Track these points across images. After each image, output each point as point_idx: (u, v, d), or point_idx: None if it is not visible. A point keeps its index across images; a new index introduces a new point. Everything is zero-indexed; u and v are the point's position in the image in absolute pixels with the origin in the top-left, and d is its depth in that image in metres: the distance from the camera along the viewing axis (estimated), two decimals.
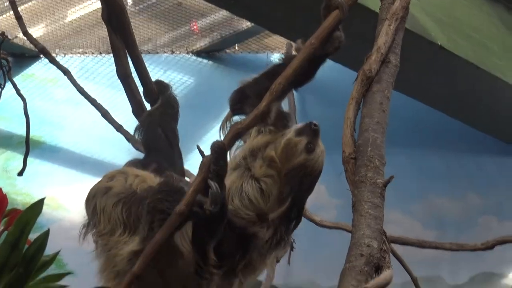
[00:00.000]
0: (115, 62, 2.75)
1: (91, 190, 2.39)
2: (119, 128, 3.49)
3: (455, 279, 5.17)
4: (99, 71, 5.59)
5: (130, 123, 3.08)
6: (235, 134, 2.07)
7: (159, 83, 2.85)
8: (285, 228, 2.23)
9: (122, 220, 2.25)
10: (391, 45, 2.07)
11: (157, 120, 2.72)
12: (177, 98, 2.80)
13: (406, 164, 5.18)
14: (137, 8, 5.55)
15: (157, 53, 6.10)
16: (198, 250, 2.15)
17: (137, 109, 2.78)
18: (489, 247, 3.06)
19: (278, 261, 3.49)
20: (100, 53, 5.79)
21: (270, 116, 2.13)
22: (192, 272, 2.20)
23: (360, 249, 1.86)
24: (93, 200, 2.34)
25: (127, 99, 2.81)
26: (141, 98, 2.73)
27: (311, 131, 2.22)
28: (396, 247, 2.63)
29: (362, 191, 1.90)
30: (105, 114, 3.62)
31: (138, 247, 2.15)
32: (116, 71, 2.76)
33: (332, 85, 4.72)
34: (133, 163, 2.62)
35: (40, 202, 1.99)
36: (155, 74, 4.53)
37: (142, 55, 2.87)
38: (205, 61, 5.97)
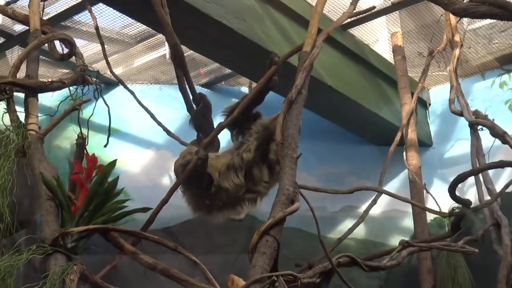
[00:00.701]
0: (178, 83, 4.24)
1: (175, 165, 3.87)
2: (168, 131, 5.45)
3: (333, 208, 7.34)
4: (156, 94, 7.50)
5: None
6: (219, 128, 3.39)
7: (200, 94, 4.29)
8: None
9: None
10: (303, 84, 2.93)
11: (201, 115, 4.13)
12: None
13: (307, 148, 6.73)
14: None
15: None
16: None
17: (190, 108, 4.22)
18: (351, 191, 4.43)
19: None
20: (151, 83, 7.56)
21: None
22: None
23: (283, 191, 2.67)
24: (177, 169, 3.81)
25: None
26: (192, 102, 4.24)
27: None
28: (302, 191, 3.86)
29: (285, 161, 2.72)
30: (155, 119, 5.49)
31: None
32: (179, 87, 4.23)
33: (274, 105, 6.11)
34: (192, 141, 4.07)
35: (114, 162, 3.26)
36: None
37: None
38: (207, 90, 7.64)
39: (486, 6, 2.95)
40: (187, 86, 4.22)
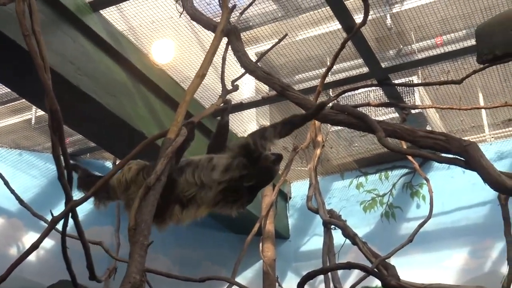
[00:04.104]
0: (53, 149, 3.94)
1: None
2: (20, 200, 4.97)
3: None
4: None
5: None
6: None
7: (74, 164, 3.83)
8: None
9: None
10: (163, 170, 2.83)
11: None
12: None
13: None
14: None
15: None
16: None
17: (61, 176, 4.02)
18: (203, 280, 4.31)
19: None
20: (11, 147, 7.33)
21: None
22: None
23: (129, 279, 2.45)
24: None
25: None
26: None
27: None
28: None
29: (135, 247, 2.55)
30: (8, 185, 5.12)
31: None
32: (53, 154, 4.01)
33: None
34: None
35: None
36: None
37: None
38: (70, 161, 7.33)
39: (344, 115, 3.12)
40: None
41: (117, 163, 7.29)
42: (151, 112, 5.76)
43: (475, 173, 2.60)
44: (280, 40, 4.63)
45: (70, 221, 2.96)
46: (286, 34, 4.75)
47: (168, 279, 4.56)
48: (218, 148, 3.55)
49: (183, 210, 3.27)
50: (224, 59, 4.00)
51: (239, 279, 5.97)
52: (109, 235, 7.10)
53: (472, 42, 5.83)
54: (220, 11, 4.45)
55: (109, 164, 7.72)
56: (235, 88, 4.04)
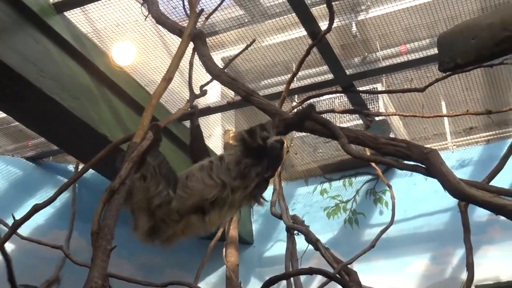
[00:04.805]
0: None
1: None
2: None
3: None
4: None
5: None
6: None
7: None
8: None
9: None
10: (128, 175, 2.92)
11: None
12: None
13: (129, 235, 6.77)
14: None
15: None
16: None
17: None
18: (165, 285, 4.28)
19: None
20: None
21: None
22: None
23: (91, 284, 2.42)
24: None
25: None
26: None
27: None
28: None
29: (98, 252, 2.52)
30: None
31: None
32: None
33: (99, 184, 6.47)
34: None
35: None
36: None
37: None
38: (32, 163, 7.57)
39: (309, 121, 3.13)
40: None
41: (80, 167, 7.23)
42: (115, 116, 5.71)
43: (437, 180, 2.64)
44: (248, 46, 4.63)
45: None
46: (254, 40, 4.76)
47: (131, 284, 4.56)
48: (200, 150, 3.58)
49: (205, 216, 3.16)
50: (191, 63, 3.99)
51: (202, 284, 5.96)
52: (72, 239, 7.02)
53: (435, 50, 5.91)
54: (186, 16, 4.45)
55: (71, 167, 7.62)
56: (203, 93, 4.03)
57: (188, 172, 3.21)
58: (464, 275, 4.67)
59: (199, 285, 5.67)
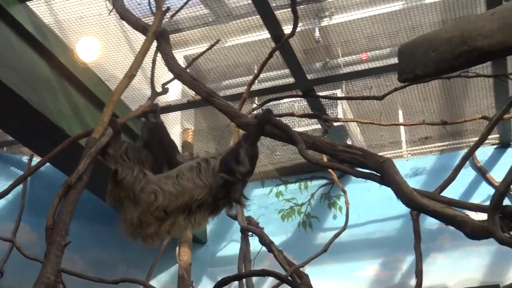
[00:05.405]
0: None
1: None
2: None
3: None
4: None
5: None
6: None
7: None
8: None
9: None
10: (85, 170, 2.91)
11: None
12: None
13: (84, 230, 6.97)
14: None
15: None
16: None
17: None
18: (117, 282, 4.41)
19: None
20: None
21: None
22: None
23: (43, 279, 2.45)
24: None
25: None
26: None
27: None
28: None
29: (52, 247, 2.52)
30: None
31: None
32: None
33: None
34: None
35: None
36: None
37: None
38: None
39: (269, 126, 3.16)
40: None
41: (34, 159, 7.13)
42: (74, 109, 5.66)
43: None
44: (212, 46, 4.64)
45: None
46: (219, 40, 4.77)
47: (82, 280, 4.53)
48: (171, 148, 3.54)
49: (191, 217, 3.16)
50: (154, 61, 3.98)
51: (154, 282, 5.95)
52: (24, 232, 6.92)
53: (396, 60, 6.01)
54: (150, 12, 4.44)
55: (26, 159, 7.49)
56: (165, 91, 4.02)
57: (177, 171, 3.19)
58: (412, 282, 4.76)
59: (150, 283, 5.66)
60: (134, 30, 4.35)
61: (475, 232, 2.45)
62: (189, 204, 3.12)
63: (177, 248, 6.52)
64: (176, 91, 6.95)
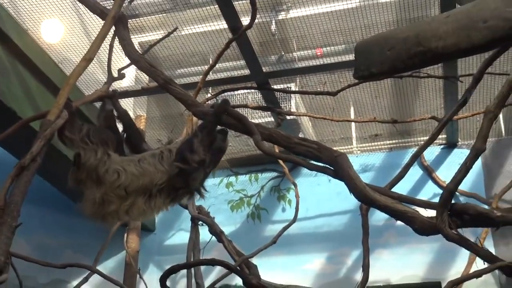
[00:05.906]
0: None
1: None
2: None
3: (43, 280, 7.03)
4: None
5: None
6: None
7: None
8: None
9: None
10: (39, 152, 2.72)
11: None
12: None
13: (31, 214, 6.76)
14: None
15: None
16: None
17: None
18: (64, 266, 4.42)
19: None
20: None
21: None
22: None
23: None
24: None
25: None
26: None
27: None
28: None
29: (2, 228, 2.49)
30: None
31: None
32: None
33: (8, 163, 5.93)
34: None
35: None
36: None
37: None
38: None
39: (225, 115, 3.18)
40: None
41: None
42: (26, 91, 5.56)
43: (340, 183, 2.74)
44: (170, 33, 4.61)
45: None
46: (177, 28, 4.75)
47: (28, 264, 4.46)
48: (138, 136, 3.54)
49: (151, 201, 3.18)
50: (111, 46, 3.94)
51: (100, 269, 5.86)
52: None
53: (350, 57, 6.11)
54: None
55: None
56: (121, 76, 3.99)
57: (140, 156, 3.22)
58: (358, 276, 4.85)
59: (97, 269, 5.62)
60: (90, 13, 4.29)
61: (424, 228, 2.52)
62: (149, 188, 3.14)
63: (125, 235, 6.49)
64: (130, 77, 6.90)
